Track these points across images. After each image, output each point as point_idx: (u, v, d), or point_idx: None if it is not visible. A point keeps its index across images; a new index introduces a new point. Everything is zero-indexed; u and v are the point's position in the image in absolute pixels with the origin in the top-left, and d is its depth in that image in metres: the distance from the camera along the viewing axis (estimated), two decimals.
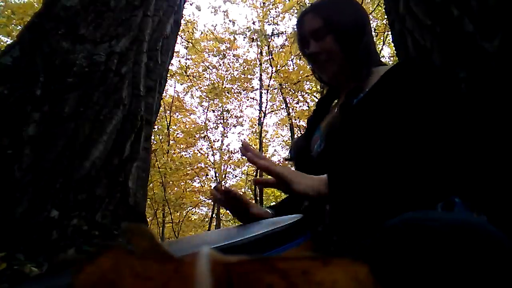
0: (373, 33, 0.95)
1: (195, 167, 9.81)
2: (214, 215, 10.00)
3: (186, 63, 9.50)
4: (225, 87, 9.69)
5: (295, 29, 0.91)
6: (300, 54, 0.99)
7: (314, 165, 0.77)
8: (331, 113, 0.88)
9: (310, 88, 8.78)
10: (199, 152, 10.71)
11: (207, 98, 10.26)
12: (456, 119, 0.62)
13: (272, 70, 8.62)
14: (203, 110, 10.89)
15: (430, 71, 0.69)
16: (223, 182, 10.59)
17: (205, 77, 9.95)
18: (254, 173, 9.43)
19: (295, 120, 9.15)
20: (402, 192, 0.58)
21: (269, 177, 0.65)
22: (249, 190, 10.68)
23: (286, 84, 8.64)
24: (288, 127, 9.96)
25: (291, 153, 0.93)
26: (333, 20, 0.82)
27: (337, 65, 0.83)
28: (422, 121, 0.63)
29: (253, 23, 9.16)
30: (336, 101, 0.94)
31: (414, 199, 0.57)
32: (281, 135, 11.87)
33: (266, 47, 9.04)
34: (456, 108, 0.63)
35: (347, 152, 0.70)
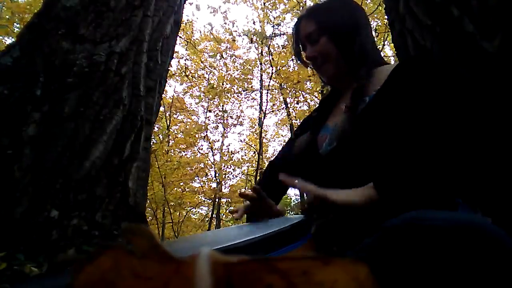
0: (374, 33, 0.95)
1: (195, 167, 9.80)
2: (214, 215, 9.99)
3: (185, 63, 9.50)
4: (225, 87, 9.69)
5: (292, 34, 0.93)
6: (299, 63, 1.01)
7: (322, 162, 0.78)
8: (338, 112, 0.88)
9: (311, 88, 8.77)
10: (199, 152, 10.71)
11: (207, 99, 10.27)
12: (464, 119, 0.62)
13: (272, 70, 8.62)
14: (203, 110, 10.90)
15: (438, 69, 0.68)
16: (223, 182, 10.59)
17: (204, 78, 9.96)
18: (254, 173, 9.43)
19: (295, 120, 9.15)
20: (410, 193, 0.58)
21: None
22: (249, 190, 10.64)
23: (286, 84, 8.64)
24: (288, 127, 9.96)
25: (293, 152, 0.93)
26: (325, 21, 0.83)
27: (334, 66, 0.83)
28: (431, 121, 0.63)
29: (254, 23, 9.16)
30: (338, 101, 0.94)
31: (418, 200, 0.57)
32: (281, 135, 11.88)
33: (266, 48, 9.04)
34: (465, 107, 0.63)
35: (362, 151, 0.70)
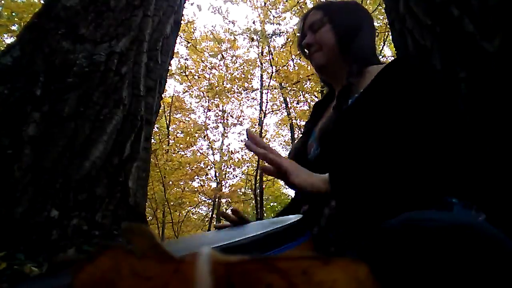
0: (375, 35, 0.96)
1: (195, 167, 9.81)
2: (214, 215, 10.00)
3: (185, 63, 9.50)
4: (225, 87, 9.69)
5: (296, 29, 0.95)
6: (300, 53, 1.01)
7: (311, 168, 0.78)
8: (325, 116, 0.88)
9: (310, 87, 8.77)
10: (199, 151, 10.72)
11: (207, 98, 10.27)
12: (451, 117, 0.62)
13: (272, 70, 8.62)
14: (203, 110, 10.91)
15: (422, 70, 0.69)
16: (223, 182, 10.59)
17: (204, 77, 9.96)
18: (254, 173, 9.44)
19: (295, 120, 9.15)
20: (401, 192, 0.58)
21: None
22: (249, 190, 10.68)
23: (287, 84, 8.64)
24: (289, 127, 9.96)
25: (289, 157, 0.94)
26: (332, 12, 0.85)
27: (327, 55, 0.85)
28: (417, 121, 0.63)
29: (253, 22, 9.17)
30: (330, 104, 0.95)
31: (412, 199, 0.57)
32: (282, 135, 11.88)
33: (267, 47, 9.05)
34: (450, 107, 0.63)
35: (342, 154, 0.70)
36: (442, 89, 0.65)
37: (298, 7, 7.44)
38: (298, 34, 0.95)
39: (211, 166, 10.52)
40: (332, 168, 0.64)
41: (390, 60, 0.80)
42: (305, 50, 0.91)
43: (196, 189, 10.10)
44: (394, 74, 0.70)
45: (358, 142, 0.68)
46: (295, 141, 0.98)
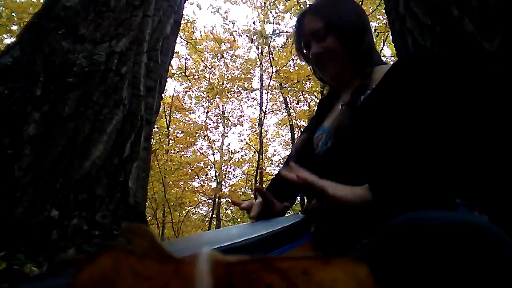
0: (373, 33, 0.96)
1: (195, 167, 9.81)
2: (214, 215, 9.99)
3: (186, 63, 9.50)
4: (225, 87, 9.69)
5: (294, 30, 0.92)
6: (300, 56, 0.99)
7: (319, 162, 0.77)
8: (334, 112, 0.88)
9: (310, 87, 8.77)
10: (199, 151, 10.72)
11: (207, 98, 10.27)
12: (462, 117, 0.61)
13: (272, 70, 8.61)
14: (203, 110, 10.91)
15: (435, 65, 0.68)
16: (223, 182, 10.59)
17: (204, 77, 9.95)
18: (254, 173, 9.43)
19: (295, 120, 9.15)
20: (423, 193, 0.58)
21: None
22: (249, 190, 10.68)
23: (287, 84, 8.64)
24: (289, 127, 9.96)
25: (292, 151, 0.94)
26: (333, 20, 0.82)
27: (340, 64, 0.83)
28: (428, 118, 0.63)
29: (254, 22, 9.16)
30: (335, 102, 0.94)
31: (418, 199, 0.57)
32: (282, 135, 11.88)
33: (267, 47, 9.04)
34: (463, 104, 0.62)
35: (358, 149, 0.70)
36: (457, 87, 0.64)
37: (298, 7, 7.43)
38: (294, 38, 0.93)
39: (211, 166, 10.52)
40: (370, 178, 0.63)
41: (389, 60, 0.80)
42: (305, 53, 0.90)
43: (196, 189, 10.10)
44: (407, 69, 0.70)
45: (376, 136, 0.68)
46: (296, 141, 0.97)
